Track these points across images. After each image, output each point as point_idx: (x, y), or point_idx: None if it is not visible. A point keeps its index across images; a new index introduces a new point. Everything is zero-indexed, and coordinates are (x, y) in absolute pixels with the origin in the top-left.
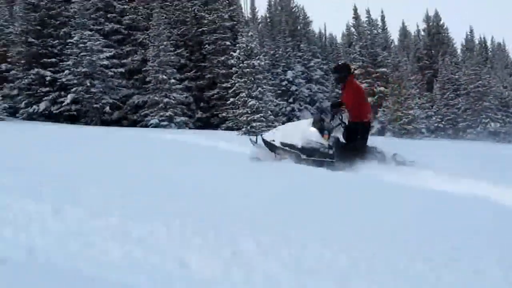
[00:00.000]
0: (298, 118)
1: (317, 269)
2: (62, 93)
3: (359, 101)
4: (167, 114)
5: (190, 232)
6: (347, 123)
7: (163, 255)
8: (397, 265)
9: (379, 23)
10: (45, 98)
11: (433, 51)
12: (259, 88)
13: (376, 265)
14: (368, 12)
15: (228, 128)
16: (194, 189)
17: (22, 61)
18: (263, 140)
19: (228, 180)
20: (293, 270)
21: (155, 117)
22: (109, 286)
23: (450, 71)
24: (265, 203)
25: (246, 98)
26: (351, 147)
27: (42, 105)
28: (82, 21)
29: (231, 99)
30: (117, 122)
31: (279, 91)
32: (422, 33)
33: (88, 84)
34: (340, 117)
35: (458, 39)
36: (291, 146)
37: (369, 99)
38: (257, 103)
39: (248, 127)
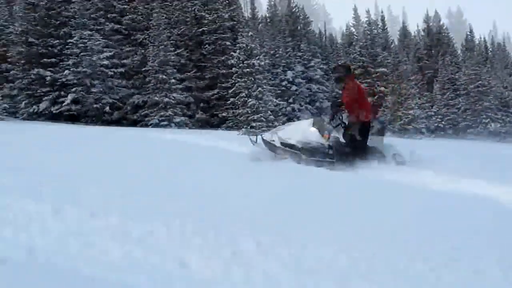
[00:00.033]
0: (298, 118)
1: (317, 269)
2: (62, 93)
3: (359, 101)
4: (167, 114)
5: (190, 232)
6: (347, 123)
7: (163, 255)
8: (397, 265)
9: (379, 23)
10: (45, 98)
11: (433, 51)
12: (259, 88)
13: (376, 265)
14: (368, 12)
15: (228, 128)
16: (194, 189)
17: (22, 61)
18: (263, 140)
19: (228, 180)
20: (293, 270)
21: (155, 117)
22: (109, 286)
23: (450, 71)
24: (265, 203)
25: (246, 98)
26: (351, 147)
27: (42, 105)
28: (82, 21)
29: (231, 99)
30: (117, 122)
31: (279, 91)
32: (422, 33)
33: (88, 84)
34: (340, 117)
35: (458, 39)
36: (291, 146)
37: (369, 99)
38: (257, 103)
39: (248, 127)
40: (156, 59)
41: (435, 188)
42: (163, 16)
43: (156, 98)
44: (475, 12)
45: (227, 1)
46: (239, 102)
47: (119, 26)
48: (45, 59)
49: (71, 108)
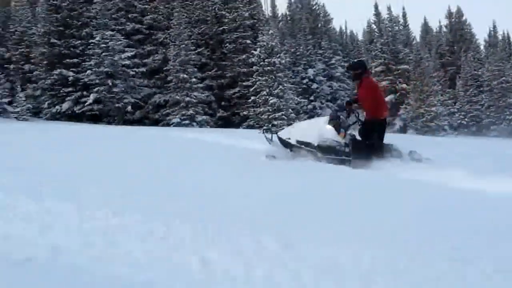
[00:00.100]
0: (319, 116)
1: (317, 269)
2: (85, 93)
3: (375, 99)
4: (189, 113)
5: (190, 232)
6: (363, 121)
7: (163, 255)
8: (397, 265)
9: (401, 19)
10: (68, 98)
11: (455, 47)
12: (280, 86)
13: (376, 265)
14: (389, 8)
15: (249, 127)
16: (194, 189)
17: (45, 62)
18: (279, 138)
19: (228, 180)
20: (293, 270)
21: (177, 116)
22: (109, 285)
23: (473, 67)
24: (265, 203)
25: (267, 97)
26: (368, 145)
27: (65, 105)
28: (104, 22)
29: (252, 98)
30: (139, 122)
31: (300, 89)
32: (444, 29)
33: (110, 84)
34: (357, 114)
35: (481, 35)
36: (307, 144)
37: (391, 96)
38: (278, 101)
39: (270, 125)
40: (177, 58)
41: (436, 188)
42: (183, 15)
43: (178, 97)
44: (474, 12)
45: (247, 0)
46: (260, 101)
47: (140, 25)
48: (67, 60)
49: (93, 108)
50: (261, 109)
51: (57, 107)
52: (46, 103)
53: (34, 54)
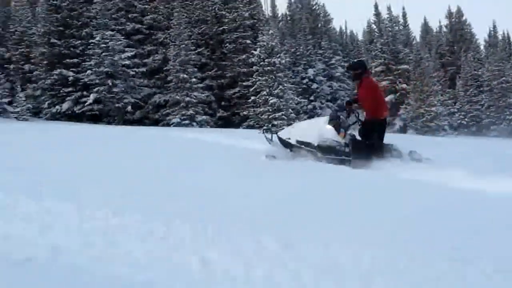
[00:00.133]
0: (319, 116)
1: (317, 269)
2: (85, 93)
3: (375, 99)
4: (189, 113)
5: (190, 232)
6: (363, 121)
7: (163, 255)
8: (397, 265)
9: (401, 19)
10: (68, 98)
11: (455, 47)
12: (280, 86)
13: (376, 265)
14: (389, 8)
15: (250, 127)
16: (194, 189)
17: (45, 62)
18: (279, 138)
19: (228, 180)
20: (292, 270)
21: (177, 116)
22: (109, 285)
23: (473, 67)
24: (265, 203)
25: (267, 97)
26: (368, 145)
27: (65, 105)
28: (104, 22)
29: (252, 98)
30: (139, 122)
31: (300, 89)
32: (444, 29)
33: (110, 84)
34: (357, 114)
35: (481, 35)
36: (307, 144)
37: (391, 96)
38: (278, 101)
39: (269, 125)
40: (177, 58)
41: (436, 188)
42: (183, 15)
43: (178, 97)
44: (474, 12)
45: (247, 0)
46: (260, 101)
47: (140, 25)
48: (67, 60)
49: (93, 108)
50: (261, 109)
51: (57, 107)
52: (46, 103)
53: (34, 54)
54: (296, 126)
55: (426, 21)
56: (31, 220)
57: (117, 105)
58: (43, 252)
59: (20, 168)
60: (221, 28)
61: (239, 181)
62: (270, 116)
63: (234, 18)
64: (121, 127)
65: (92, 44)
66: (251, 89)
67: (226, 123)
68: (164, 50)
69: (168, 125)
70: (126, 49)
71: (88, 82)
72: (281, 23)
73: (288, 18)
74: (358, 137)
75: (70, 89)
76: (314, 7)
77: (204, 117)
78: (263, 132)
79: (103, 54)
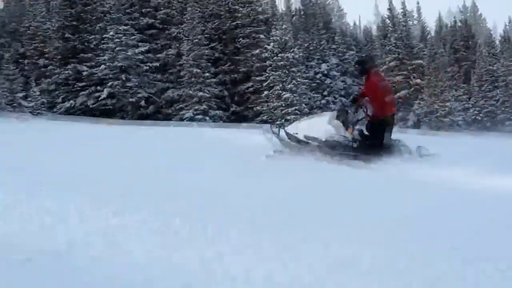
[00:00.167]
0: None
1: (317, 269)
2: (98, 87)
3: (375, 99)
4: (202, 107)
5: (190, 232)
6: (369, 117)
7: (163, 255)
8: (397, 265)
9: (415, 14)
10: (82, 92)
11: (470, 42)
12: (293, 81)
13: (376, 265)
14: (403, 3)
15: (263, 121)
16: (194, 189)
17: (59, 57)
18: (286, 132)
19: (228, 180)
20: (292, 270)
21: (190, 110)
22: (109, 285)
23: (488, 62)
24: (265, 203)
25: (281, 91)
26: (375, 141)
27: (79, 100)
28: (117, 16)
29: (265, 92)
30: (153, 116)
31: (313, 84)
32: (459, 24)
33: (124, 78)
34: (365, 109)
35: (496, 30)
36: (315, 139)
37: (405, 91)
38: (292, 96)
39: (283, 120)
40: (190, 53)
41: (436, 188)
42: (197, 10)
43: (191, 92)
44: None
45: None
46: (273, 95)
47: (153, 20)
48: (81, 54)
49: (107, 103)
50: (274, 104)
51: (71, 101)
52: (60, 97)
53: (48, 49)
54: (304, 121)
55: (440, 16)
56: (31, 220)
57: (130, 99)
58: (43, 252)
59: (20, 168)
60: (234, 23)
61: (239, 181)
62: (283, 111)
63: (248, 13)
64: (121, 127)
65: (105, 39)
66: (264, 84)
67: (239, 118)
68: (177, 45)
69: (181, 119)
70: (140, 43)
71: (102, 77)
72: (294, 17)
73: (302, 12)
74: (366, 132)
75: (84, 83)
76: (328, 1)
77: (217, 111)
78: (273, 128)
79: (117, 48)
